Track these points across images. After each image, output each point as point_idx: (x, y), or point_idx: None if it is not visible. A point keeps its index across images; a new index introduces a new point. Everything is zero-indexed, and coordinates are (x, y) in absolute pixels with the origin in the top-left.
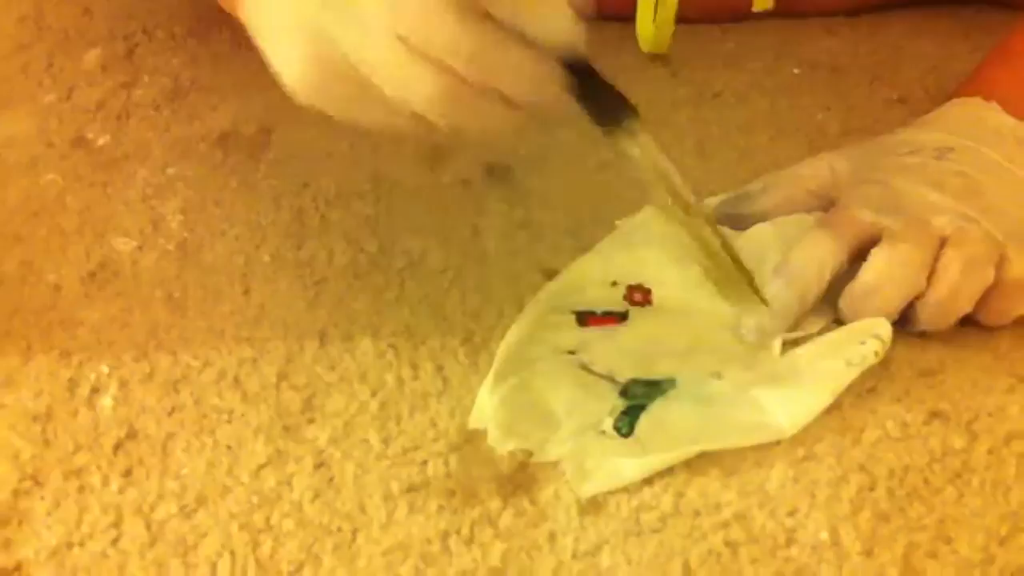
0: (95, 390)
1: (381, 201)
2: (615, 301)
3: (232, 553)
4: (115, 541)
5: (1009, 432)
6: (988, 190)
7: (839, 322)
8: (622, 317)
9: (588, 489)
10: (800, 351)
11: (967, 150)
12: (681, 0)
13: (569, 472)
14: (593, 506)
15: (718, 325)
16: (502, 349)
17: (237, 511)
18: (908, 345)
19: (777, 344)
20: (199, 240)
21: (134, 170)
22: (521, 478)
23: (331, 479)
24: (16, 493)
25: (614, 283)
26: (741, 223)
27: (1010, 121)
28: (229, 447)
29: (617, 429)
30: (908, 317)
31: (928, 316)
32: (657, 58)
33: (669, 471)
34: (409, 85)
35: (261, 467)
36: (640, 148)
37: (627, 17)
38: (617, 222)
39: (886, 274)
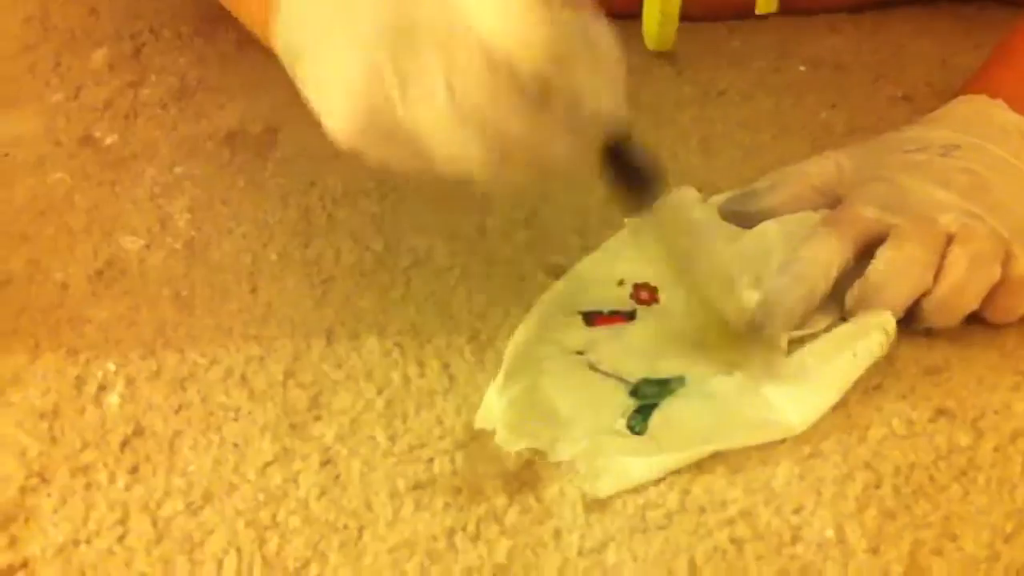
0: (102, 388)
1: (387, 200)
2: (622, 300)
3: (238, 550)
4: (122, 538)
5: (1015, 430)
6: (994, 187)
7: (845, 320)
8: (629, 316)
9: (601, 489)
10: (807, 348)
11: (973, 147)
12: None
13: (582, 472)
14: (599, 503)
15: (725, 323)
16: (510, 349)
17: (243, 508)
18: (914, 343)
19: (784, 341)
20: (206, 239)
21: (141, 169)
22: (527, 475)
23: (337, 476)
24: (23, 490)
25: (621, 282)
26: (747, 220)
27: (1015, 118)
28: (236, 444)
29: (631, 428)
30: (914, 314)
31: (934, 313)
32: (662, 56)
33: (675, 469)
34: (461, 152)
35: (267, 464)
36: (653, 234)
37: (633, 15)
38: (624, 220)
39: (893, 272)
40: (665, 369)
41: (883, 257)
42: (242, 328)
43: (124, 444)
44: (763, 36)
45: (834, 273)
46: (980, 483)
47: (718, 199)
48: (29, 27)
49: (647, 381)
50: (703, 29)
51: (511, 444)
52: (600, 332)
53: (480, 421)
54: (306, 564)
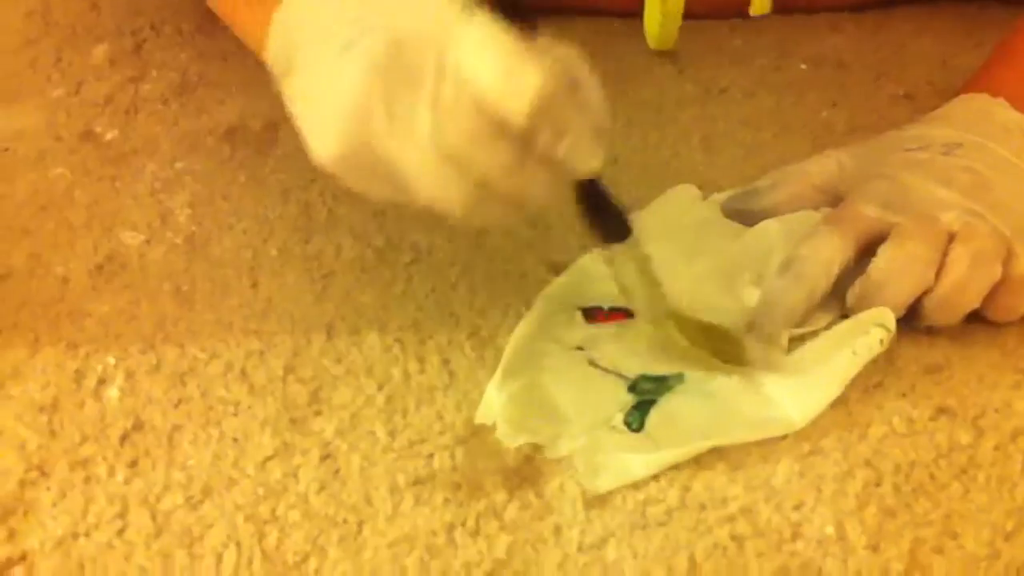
0: (102, 381)
1: None
2: (621, 297)
3: (238, 544)
4: (121, 532)
5: (1015, 428)
6: (996, 186)
7: (846, 317)
8: (629, 313)
9: (600, 485)
10: (807, 346)
11: (975, 146)
12: None
13: (581, 468)
14: (599, 499)
15: (725, 320)
16: (510, 345)
17: (243, 502)
18: (915, 341)
19: (784, 339)
20: (207, 234)
21: (142, 164)
22: (527, 471)
23: (337, 471)
24: (22, 483)
25: None
26: (749, 219)
27: (1017, 117)
28: (235, 439)
29: (628, 424)
30: (916, 312)
31: (936, 311)
32: (664, 55)
33: (675, 465)
34: (441, 189)
35: (267, 459)
36: (624, 270)
37: (635, 13)
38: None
39: (894, 270)
40: (664, 366)
41: (885, 255)
42: (242, 323)
43: (124, 438)
44: (764, 35)
45: (835, 271)
46: (980, 481)
47: (720, 197)
48: (30, 22)
49: (645, 377)
50: (705, 27)
51: (511, 439)
52: (600, 329)
53: (480, 416)
54: (305, 558)
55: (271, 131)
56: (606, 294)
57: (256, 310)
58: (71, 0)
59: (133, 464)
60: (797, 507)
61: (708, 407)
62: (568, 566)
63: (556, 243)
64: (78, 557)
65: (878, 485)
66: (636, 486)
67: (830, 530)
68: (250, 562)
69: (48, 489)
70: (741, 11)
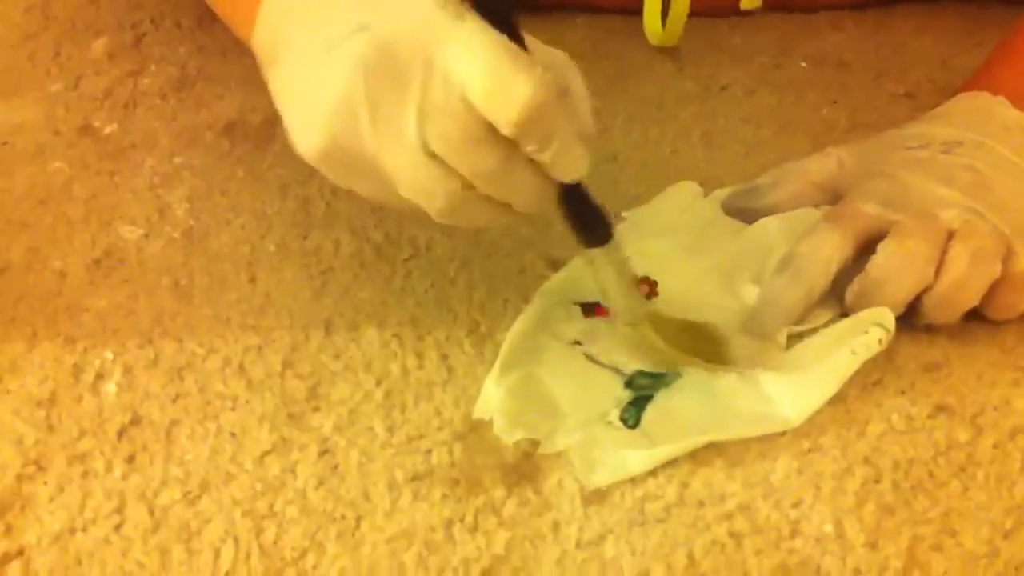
0: (100, 376)
1: None
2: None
3: (235, 539)
4: (118, 527)
5: (1014, 426)
6: (996, 184)
7: (846, 315)
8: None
9: (596, 480)
10: (805, 343)
11: (975, 144)
12: None
13: (577, 463)
14: (597, 496)
15: (724, 318)
16: (508, 340)
17: (241, 498)
18: (914, 339)
19: (783, 337)
20: (205, 229)
21: (141, 159)
22: (525, 467)
23: (335, 467)
24: (20, 478)
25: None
26: (749, 217)
27: (1017, 115)
28: (233, 434)
29: (624, 420)
30: (915, 310)
31: (935, 309)
32: (664, 52)
33: (674, 461)
34: (425, 188)
35: (265, 454)
36: (604, 273)
37: (635, 11)
38: (624, 214)
39: (894, 267)
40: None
41: (884, 252)
42: (240, 318)
43: (121, 433)
44: (765, 32)
45: (834, 269)
46: (979, 479)
47: (720, 194)
48: (30, 16)
49: (642, 373)
50: (705, 25)
51: (508, 434)
52: (598, 323)
53: (478, 411)
54: (303, 554)
55: (270, 126)
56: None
57: (254, 305)
58: None
59: (131, 459)
60: (796, 504)
61: (705, 404)
62: (566, 562)
63: (554, 239)
64: (75, 552)
65: (877, 483)
66: (634, 483)
67: (829, 527)
68: (248, 557)
69: (45, 484)
70: (739, 9)
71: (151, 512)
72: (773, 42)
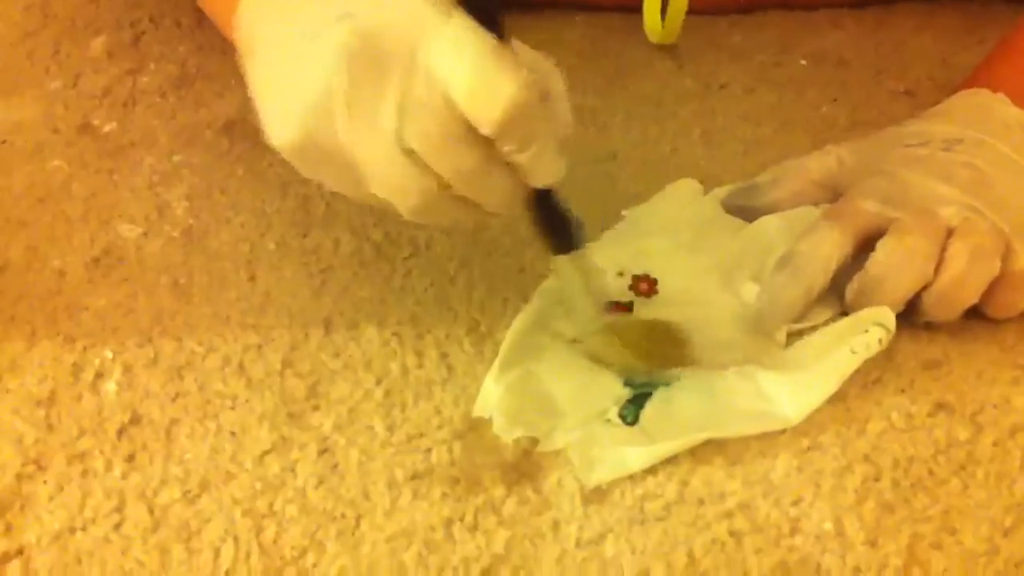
0: (99, 375)
1: None
2: (621, 291)
3: (235, 539)
4: (118, 526)
5: (1014, 424)
6: (996, 182)
7: (846, 314)
8: (628, 307)
9: (595, 478)
10: (805, 341)
11: (975, 142)
12: None
13: (575, 461)
14: (597, 494)
15: (723, 316)
16: (507, 339)
17: (240, 497)
18: (914, 337)
19: (782, 335)
20: (204, 227)
21: (140, 157)
22: (525, 466)
23: (335, 466)
24: (19, 477)
25: (620, 273)
26: (749, 215)
27: (1017, 113)
28: (233, 433)
29: (622, 418)
30: (915, 308)
31: (934, 306)
32: (663, 50)
33: (674, 460)
34: (398, 184)
35: (265, 453)
36: (569, 280)
37: (635, 9)
38: (623, 212)
39: (893, 264)
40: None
41: (884, 249)
42: (240, 317)
43: (121, 432)
44: (764, 30)
45: (833, 266)
46: (979, 477)
47: (720, 192)
48: (29, 14)
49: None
50: (704, 23)
51: (507, 432)
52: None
53: (478, 410)
54: (303, 553)
55: None
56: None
57: (254, 304)
58: None
59: (130, 458)
60: (795, 502)
61: (704, 402)
62: (566, 561)
63: None
64: (75, 551)
65: (877, 480)
66: (634, 481)
67: (828, 525)
68: (248, 556)
69: (45, 483)
70: (741, 5)
71: (151, 511)
72: (773, 40)
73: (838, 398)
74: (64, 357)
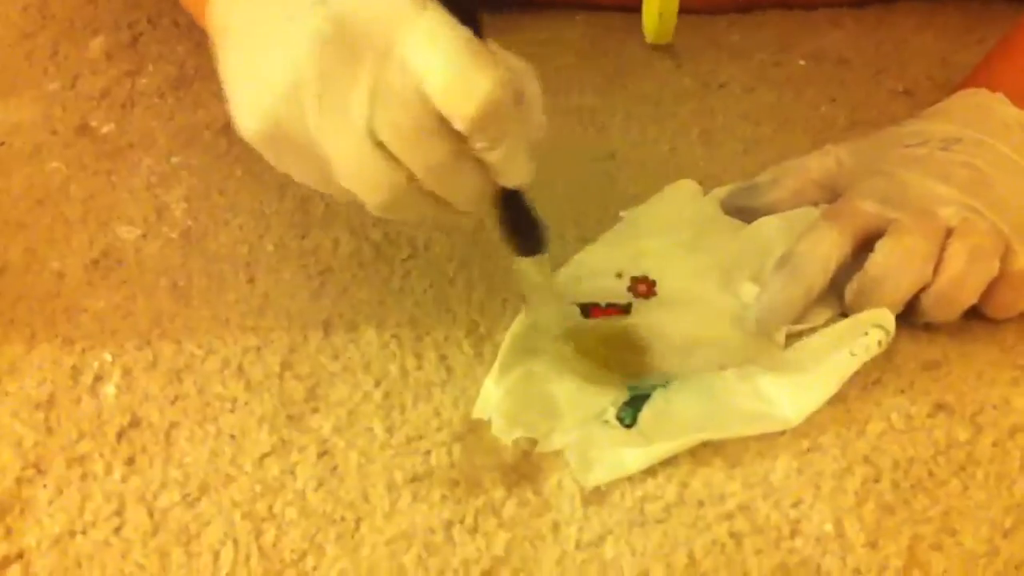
0: (98, 378)
1: None
2: (619, 293)
3: (235, 542)
4: (118, 529)
5: (1014, 425)
6: (995, 182)
7: (845, 314)
8: (626, 309)
9: (592, 479)
10: (804, 342)
11: (974, 142)
12: None
13: (573, 462)
14: (597, 496)
15: (722, 317)
16: (507, 340)
17: (240, 500)
18: (913, 338)
19: (781, 335)
20: (203, 229)
21: (138, 158)
22: (525, 468)
23: (335, 468)
24: (19, 481)
25: (619, 274)
26: (749, 215)
27: (1016, 112)
28: (232, 436)
29: (620, 419)
30: (914, 308)
31: (934, 307)
32: (662, 49)
33: (673, 461)
34: (368, 182)
35: (264, 456)
36: (531, 285)
37: (634, 8)
38: (622, 213)
39: (892, 265)
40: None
41: (882, 250)
42: (239, 319)
43: (120, 435)
44: (763, 30)
45: (832, 267)
46: (979, 478)
47: (719, 192)
48: (27, 15)
49: None
50: (703, 22)
51: (506, 434)
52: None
53: (478, 411)
54: (303, 556)
55: None
56: (603, 289)
57: (253, 306)
58: None
59: (130, 461)
60: (795, 504)
61: (703, 403)
62: (566, 563)
63: (553, 238)
64: (75, 555)
65: (876, 482)
66: (634, 483)
67: (828, 527)
68: (247, 559)
69: (44, 487)
70: (739, 4)
71: (150, 514)
72: (772, 39)
73: (838, 399)
74: (63, 360)
